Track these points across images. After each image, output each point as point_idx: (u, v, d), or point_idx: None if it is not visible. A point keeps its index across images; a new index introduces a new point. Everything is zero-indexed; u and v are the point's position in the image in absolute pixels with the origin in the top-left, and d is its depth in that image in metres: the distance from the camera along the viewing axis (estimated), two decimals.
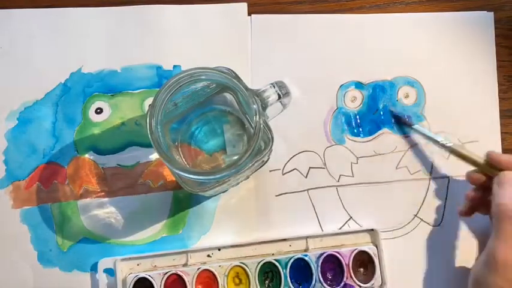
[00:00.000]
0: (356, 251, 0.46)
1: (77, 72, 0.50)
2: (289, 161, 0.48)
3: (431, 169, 0.48)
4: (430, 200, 0.48)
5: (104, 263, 0.46)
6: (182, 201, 0.48)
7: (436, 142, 0.46)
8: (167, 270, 0.45)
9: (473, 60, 0.49)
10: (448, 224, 0.48)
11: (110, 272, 0.46)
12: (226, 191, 0.48)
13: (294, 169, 0.48)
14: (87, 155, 0.49)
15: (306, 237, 0.46)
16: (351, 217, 0.48)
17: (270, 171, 0.48)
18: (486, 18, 0.50)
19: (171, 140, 0.45)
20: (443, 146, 0.45)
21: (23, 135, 0.49)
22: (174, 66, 0.50)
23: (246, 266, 0.45)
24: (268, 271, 0.46)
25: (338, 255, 0.46)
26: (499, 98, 0.49)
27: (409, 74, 0.49)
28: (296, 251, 0.46)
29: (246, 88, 0.40)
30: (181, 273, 0.45)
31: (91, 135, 0.49)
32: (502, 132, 0.49)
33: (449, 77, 0.49)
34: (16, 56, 0.50)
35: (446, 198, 0.48)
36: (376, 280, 0.46)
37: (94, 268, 0.47)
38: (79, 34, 0.50)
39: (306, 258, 0.45)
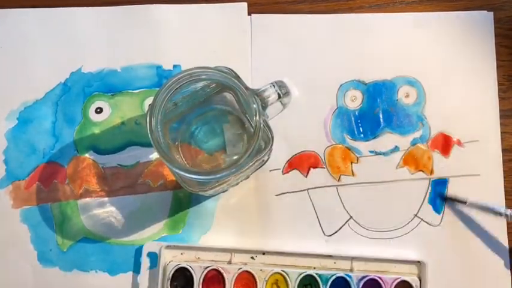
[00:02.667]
0: (399, 280, 0.45)
1: (77, 72, 0.50)
2: (289, 160, 0.48)
3: (431, 169, 0.48)
4: (430, 200, 0.48)
5: (149, 246, 0.46)
6: (182, 201, 0.48)
7: (495, 212, 0.45)
8: (209, 265, 0.45)
9: (473, 60, 0.49)
10: (448, 224, 0.48)
11: (152, 256, 0.46)
12: (226, 190, 0.48)
13: (294, 169, 0.48)
14: (87, 155, 0.49)
15: (352, 258, 0.46)
16: (351, 217, 0.48)
17: (270, 171, 0.48)
18: (486, 18, 0.50)
19: (171, 139, 0.45)
20: (506, 215, 0.44)
21: (23, 135, 0.49)
22: (174, 66, 0.50)
23: (287, 274, 0.45)
24: (308, 284, 0.46)
25: (380, 280, 0.45)
26: (499, 98, 0.49)
27: (409, 73, 0.49)
28: (339, 269, 0.46)
29: (246, 88, 0.40)
30: (222, 270, 0.45)
31: (91, 134, 0.49)
32: (502, 132, 0.49)
33: (450, 76, 0.49)
34: (16, 56, 0.50)
35: (446, 198, 0.48)
36: None
37: (139, 250, 0.47)
38: (79, 34, 0.50)
39: (348, 278, 0.45)
